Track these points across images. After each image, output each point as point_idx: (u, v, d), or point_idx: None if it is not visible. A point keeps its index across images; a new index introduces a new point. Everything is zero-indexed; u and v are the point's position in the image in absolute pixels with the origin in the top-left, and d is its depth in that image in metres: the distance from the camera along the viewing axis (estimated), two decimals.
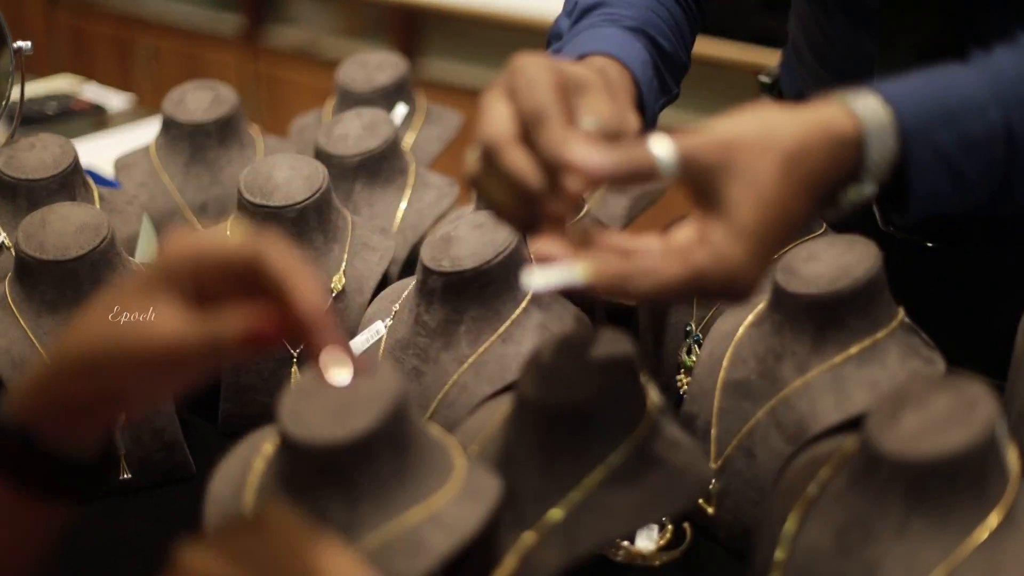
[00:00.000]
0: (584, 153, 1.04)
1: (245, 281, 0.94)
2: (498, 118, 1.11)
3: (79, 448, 0.98)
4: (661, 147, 1.05)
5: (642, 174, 1.04)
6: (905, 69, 1.42)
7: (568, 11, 1.52)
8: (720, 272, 1.03)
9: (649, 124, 1.40)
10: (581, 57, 1.35)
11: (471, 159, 1.16)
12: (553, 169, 1.08)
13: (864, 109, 1.10)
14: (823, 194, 1.08)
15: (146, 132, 2.52)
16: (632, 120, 1.24)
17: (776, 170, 1.04)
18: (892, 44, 1.50)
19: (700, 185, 1.05)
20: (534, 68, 1.12)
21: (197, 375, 0.97)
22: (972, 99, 1.12)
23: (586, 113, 1.15)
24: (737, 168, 1.03)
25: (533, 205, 1.11)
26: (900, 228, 1.55)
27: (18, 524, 0.98)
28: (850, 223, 1.37)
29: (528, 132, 1.10)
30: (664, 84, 1.47)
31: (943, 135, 1.10)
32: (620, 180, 1.04)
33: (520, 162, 1.09)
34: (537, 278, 1.06)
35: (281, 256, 0.95)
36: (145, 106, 3.05)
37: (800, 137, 1.06)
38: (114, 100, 2.99)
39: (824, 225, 1.55)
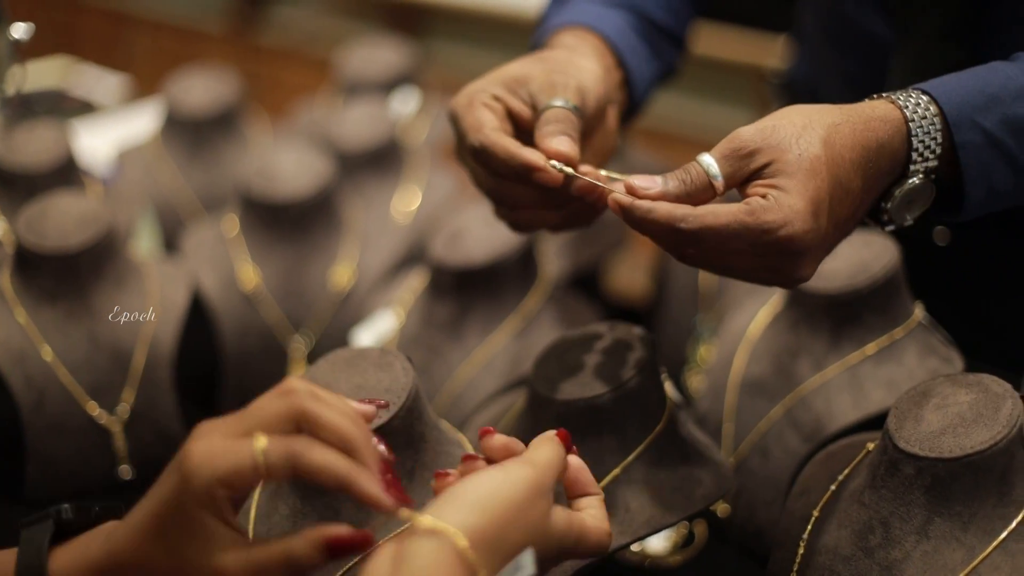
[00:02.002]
0: (644, 184, 1.07)
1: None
2: (477, 176, 1.22)
3: None
4: (706, 157, 1.07)
5: (700, 187, 1.07)
6: (923, 52, 1.40)
7: None
8: (777, 216, 1.02)
9: (641, 87, 1.41)
10: (554, 31, 1.38)
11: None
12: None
13: (905, 99, 1.11)
14: (874, 170, 1.08)
15: (139, 117, 2.49)
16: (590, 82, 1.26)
17: (819, 140, 1.05)
18: (908, 27, 1.49)
19: (748, 173, 1.06)
20: (462, 108, 1.20)
21: None
22: (1013, 84, 1.13)
23: (543, 96, 1.20)
24: (783, 144, 1.05)
25: (560, 205, 1.18)
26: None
27: None
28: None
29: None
30: (655, 51, 1.48)
31: (988, 118, 1.11)
32: (683, 199, 1.06)
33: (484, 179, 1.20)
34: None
35: (319, 464, 0.91)
36: (138, 88, 3.02)
37: (842, 114, 1.08)
38: (107, 82, 2.96)
39: None
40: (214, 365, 1.68)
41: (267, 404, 0.94)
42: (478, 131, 1.17)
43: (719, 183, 1.06)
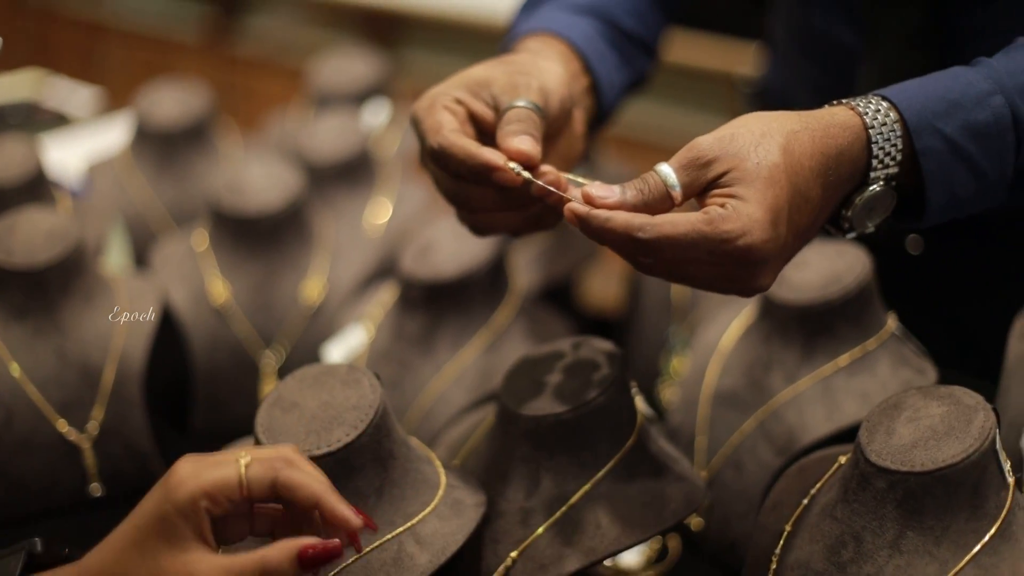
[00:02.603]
0: (602, 193, 1.06)
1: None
2: (438, 179, 1.21)
3: None
4: (664, 167, 1.06)
5: (658, 196, 1.06)
6: (890, 61, 1.40)
7: (524, 5, 1.53)
8: (735, 225, 1.01)
9: (610, 94, 1.41)
10: (521, 38, 1.38)
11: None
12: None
13: (865, 105, 1.10)
14: (833, 178, 1.07)
15: (112, 129, 2.47)
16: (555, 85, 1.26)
17: (778, 148, 1.04)
18: (876, 35, 1.49)
19: (706, 183, 1.05)
20: (422, 111, 1.20)
21: None
22: (973, 89, 1.12)
23: (505, 97, 1.20)
24: (741, 153, 1.04)
25: (521, 207, 1.18)
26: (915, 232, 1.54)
27: None
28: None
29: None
30: (625, 58, 1.48)
31: (948, 124, 1.10)
32: (640, 208, 1.05)
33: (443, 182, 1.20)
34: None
35: (298, 480, 0.96)
36: (112, 100, 3.01)
37: (801, 121, 1.07)
38: (80, 94, 2.95)
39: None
40: (184, 381, 1.67)
41: (253, 447, 1.02)
42: (437, 132, 1.16)
43: (677, 193, 1.05)
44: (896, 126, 1.09)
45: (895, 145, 1.09)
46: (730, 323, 1.45)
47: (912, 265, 1.57)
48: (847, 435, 1.26)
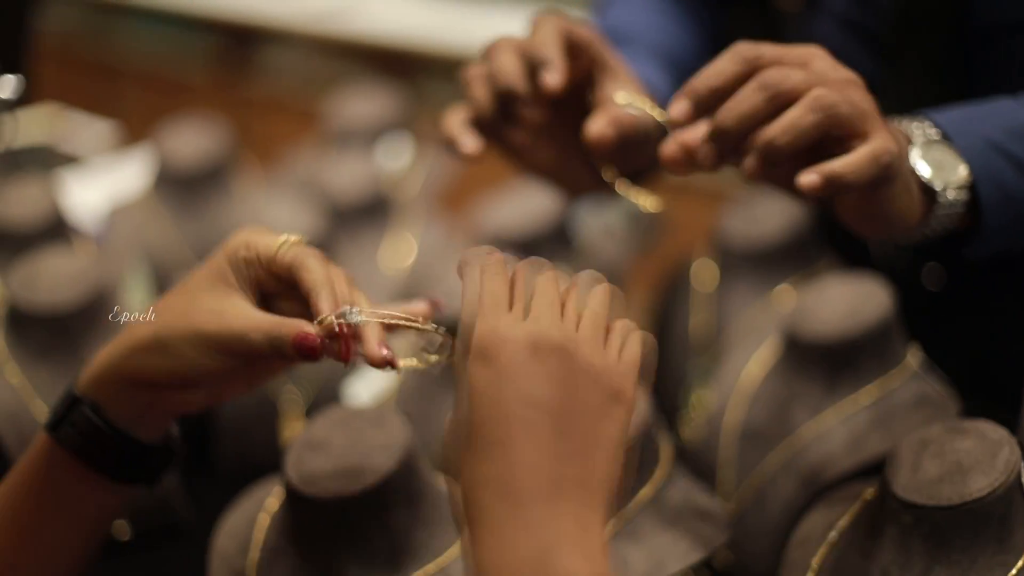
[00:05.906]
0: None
1: (288, 281, 1.05)
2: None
3: (144, 430, 1.07)
4: None
5: None
6: (911, 92, 1.41)
7: None
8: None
9: None
10: None
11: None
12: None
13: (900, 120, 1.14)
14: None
15: (129, 165, 2.47)
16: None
17: None
18: (897, 66, 1.49)
19: None
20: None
21: (257, 371, 1.12)
22: (1004, 105, 1.16)
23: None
24: None
25: (509, 107, 1.25)
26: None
27: (78, 502, 1.09)
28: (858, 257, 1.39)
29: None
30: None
31: (985, 126, 1.13)
32: None
33: (508, 63, 1.24)
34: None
35: (314, 266, 1.04)
36: (128, 135, 3.01)
37: None
38: (96, 128, 2.95)
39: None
40: (207, 419, 1.67)
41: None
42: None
43: None
44: (931, 130, 1.12)
45: (926, 130, 1.12)
46: (751, 358, 1.45)
47: (933, 300, 1.57)
48: (871, 469, 1.26)
